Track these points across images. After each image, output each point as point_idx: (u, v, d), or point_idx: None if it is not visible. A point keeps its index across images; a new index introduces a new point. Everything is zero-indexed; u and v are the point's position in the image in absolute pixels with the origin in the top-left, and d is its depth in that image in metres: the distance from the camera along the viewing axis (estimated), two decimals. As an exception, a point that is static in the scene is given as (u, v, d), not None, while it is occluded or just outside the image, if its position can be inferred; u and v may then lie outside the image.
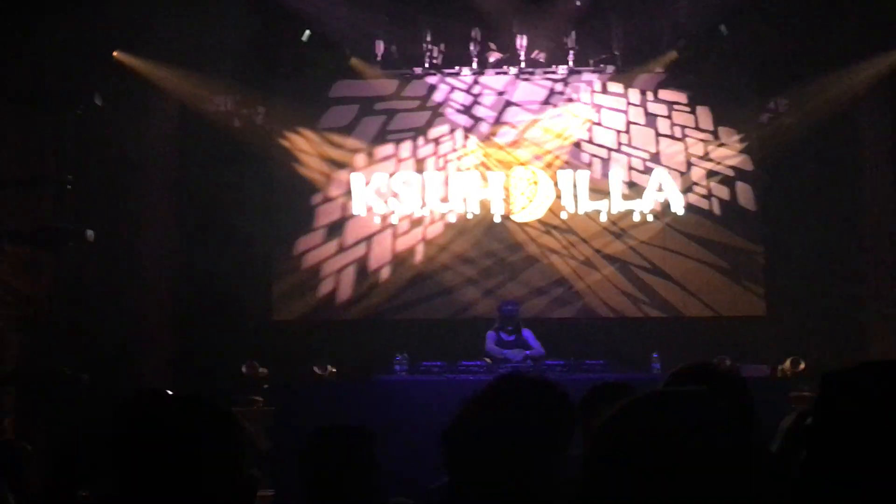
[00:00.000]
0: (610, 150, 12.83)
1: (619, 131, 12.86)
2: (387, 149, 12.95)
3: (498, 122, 12.94)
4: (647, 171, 12.76)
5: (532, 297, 12.53)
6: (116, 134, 11.58)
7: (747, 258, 12.60)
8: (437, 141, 12.95)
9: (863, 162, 12.23)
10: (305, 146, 12.95)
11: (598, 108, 12.90)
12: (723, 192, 12.71)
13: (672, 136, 12.79)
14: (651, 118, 12.85)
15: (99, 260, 11.27)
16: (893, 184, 12.04)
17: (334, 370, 11.09)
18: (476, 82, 12.95)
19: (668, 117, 12.83)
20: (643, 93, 12.87)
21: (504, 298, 11.81)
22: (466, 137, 12.93)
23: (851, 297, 11.84)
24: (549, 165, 12.82)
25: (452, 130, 12.95)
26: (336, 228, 12.88)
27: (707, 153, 12.75)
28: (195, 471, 2.06)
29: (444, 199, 12.83)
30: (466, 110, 12.98)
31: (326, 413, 8.80)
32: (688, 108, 12.82)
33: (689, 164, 12.75)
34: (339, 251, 12.85)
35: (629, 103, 12.88)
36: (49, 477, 4.30)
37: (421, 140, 12.96)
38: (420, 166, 12.91)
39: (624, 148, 12.84)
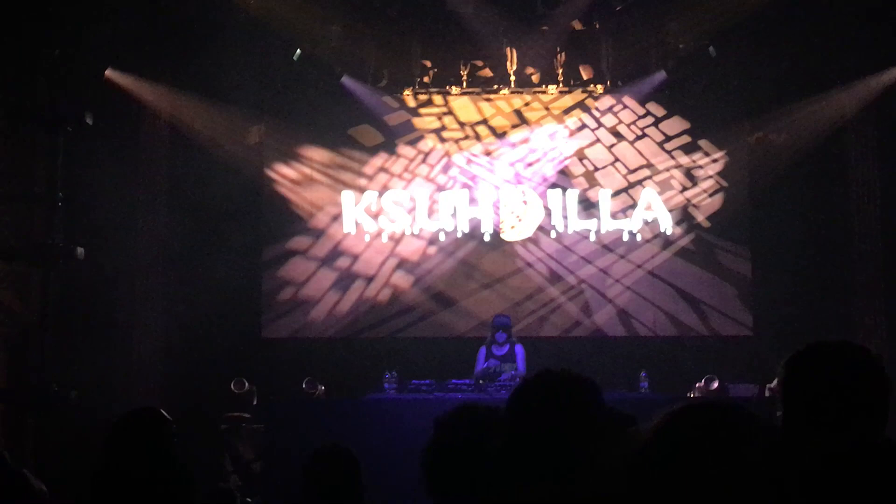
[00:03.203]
0: (599, 169, 12.89)
1: (608, 152, 12.90)
2: (377, 167, 12.99)
3: (487, 140, 12.99)
4: (636, 190, 12.82)
5: (519, 315, 12.54)
6: (107, 152, 11.60)
7: (734, 277, 12.64)
8: (426, 160, 12.99)
9: (851, 182, 12.28)
10: (295, 164, 12.98)
11: (588, 127, 12.96)
12: (710, 211, 12.75)
13: (660, 156, 12.85)
14: (639, 138, 12.91)
15: (89, 277, 11.28)
16: (881, 203, 12.10)
17: (323, 388, 11.10)
18: (466, 101, 13.01)
19: (657, 137, 12.89)
20: (632, 112, 12.92)
21: (492, 316, 11.80)
22: (457, 156, 12.97)
23: (840, 316, 11.87)
24: (538, 184, 12.87)
25: (442, 150, 13.00)
26: (325, 246, 12.90)
27: (695, 173, 12.82)
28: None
29: (434, 218, 12.87)
30: (457, 129, 13.03)
31: (317, 432, 8.83)
32: (676, 128, 12.88)
33: (677, 184, 12.81)
34: (328, 269, 12.87)
35: (618, 123, 12.94)
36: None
37: (410, 159, 12.99)
38: (409, 185, 12.95)
39: (612, 167, 12.90)
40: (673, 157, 12.84)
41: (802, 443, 2.23)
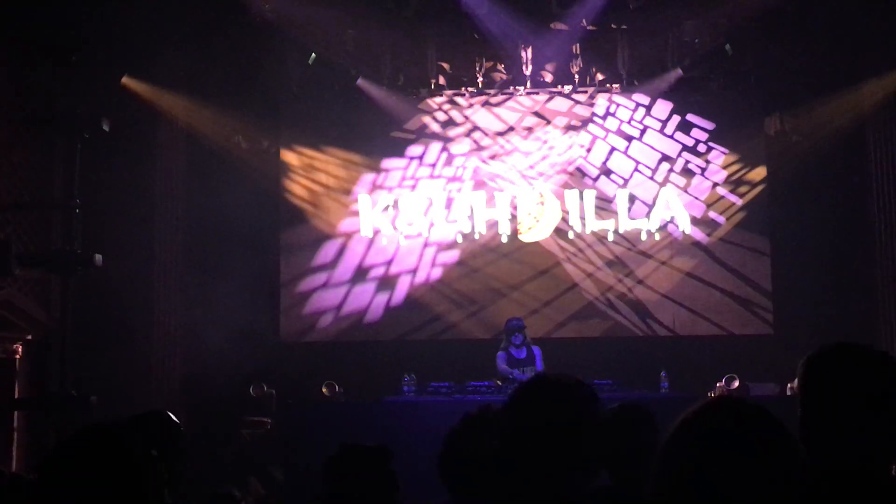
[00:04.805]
0: (616, 169, 12.85)
1: (625, 150, 12.87)
2: (394, 169, 12.98)
3: (504, 141, 12.97)
4: (654, 189, 12.76)
5: (539, 316, 12.52)
6: (124, 158, 11.62)
7: (755, 275, 12.58)
8: (443, 161, 12.98)
9: (871, 178, 12.21)
10: (313, 168, 12.99)
11: (604, 127, 12.92)
12: (730, 210, 12.70)
13: (678, 155, 12.81)
14: (657, 137, 12.87)
15: (108, 284, 11.30)
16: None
17: (342, 391, 11.09)
18: (482, 103, 12.99)
19: (674, 136, 12.85)
20: (648, 111, 12.89)
21: (511, 318, 11.77)
22: (474, 158, 12.95)
23: (862, 314, 11.79)
24: (555, 185, 12.84)
25: (458, 151, 12.97)
26: (343, 250, 12.90)
27: (713, 171, 12.76)
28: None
29: (451, 220, 12.84)
30: (472, 130, 13.01)
31: (335, 434, 8.81)
32: (693, 127, 12.83)
33: (696, 183, 12.76)
34: (345, 273, 12.87)
35: (635, 122, 12.90)
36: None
37: (427, 160, 12.98)
38: (427, 187, 12.93)
39: (630, 167, 12.85)
40: (690, 156, 12.79)
41: (822, 454, 2.21)
